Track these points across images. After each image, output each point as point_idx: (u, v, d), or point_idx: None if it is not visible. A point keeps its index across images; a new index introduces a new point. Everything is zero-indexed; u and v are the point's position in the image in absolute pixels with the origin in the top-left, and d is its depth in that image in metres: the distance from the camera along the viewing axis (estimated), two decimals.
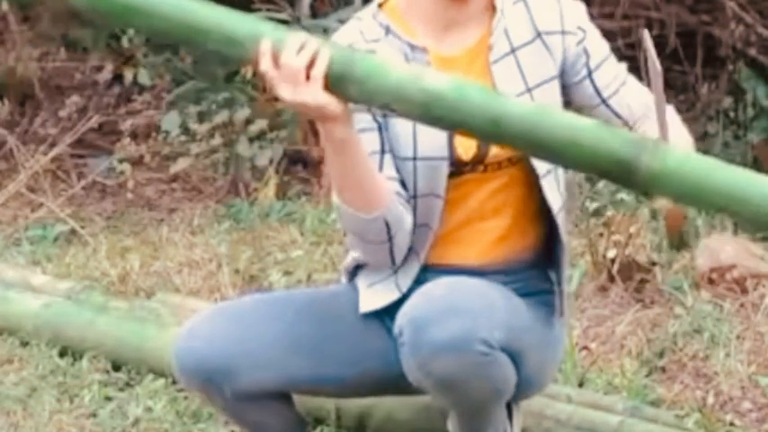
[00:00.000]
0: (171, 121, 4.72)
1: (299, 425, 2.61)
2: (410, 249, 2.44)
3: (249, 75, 4.50)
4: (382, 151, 2.39)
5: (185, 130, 4.70)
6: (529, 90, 2.39)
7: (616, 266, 3.53)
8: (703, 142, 4.39)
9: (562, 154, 2.06)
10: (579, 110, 2.48)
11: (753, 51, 4.38)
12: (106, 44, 5.34)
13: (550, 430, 2.77)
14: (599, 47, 2.44)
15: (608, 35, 4.62)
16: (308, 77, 2.11)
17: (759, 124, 4.25)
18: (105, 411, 3.06)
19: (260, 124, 4.58)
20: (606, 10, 4.60)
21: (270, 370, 2.45)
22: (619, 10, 4.57)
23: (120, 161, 4.76)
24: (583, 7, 2.47)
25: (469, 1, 2.37)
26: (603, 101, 2.43)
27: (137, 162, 4.83)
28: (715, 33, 4.54)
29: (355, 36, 2.41)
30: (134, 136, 4.95)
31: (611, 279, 3.54)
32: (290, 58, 2.11)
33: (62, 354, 3.32)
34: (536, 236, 2.48)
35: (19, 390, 3.17)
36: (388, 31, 2.40)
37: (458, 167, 2.40)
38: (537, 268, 2.50)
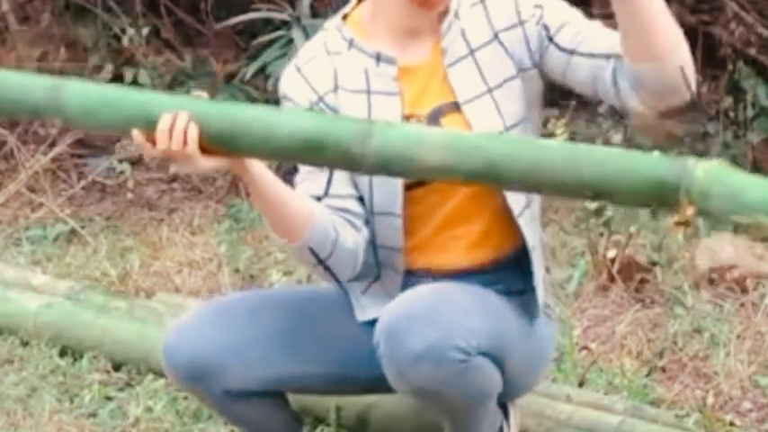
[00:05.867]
0: None
1: (293, 424, 2.61)
2: (384, 264, 2.45)
3: (249, 75, 4.50)
4: (332, 170, 2.40)
5: None
6: (489, 91, 2.38)
7: (616, 266, 3.54)
8: (703, 142, 4.38)
9: (605, 191, 1.98)
10: (561, 77, 2.39)
11: (753, 51, 4.38)
12: (106, 44, 5.34)
13: (550, 430, 2.77)
14: (555, 13, 2.37)
15: None
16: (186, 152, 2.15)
17: (759, 124, 4.25)
18: (105, 411, 3.06)
19: None
20: (606, 10, 4.58)
21: (259, 367, 2.45)
22: None
23: (120, 161, 4.76)
24: None
25: (435, 7, 2.37)
26: (573, 52, 2.34)
27: (137, 162, 4.83)
28: (715, 33, 4.53)
29: (319, 49, 2.44)
30: None
31: (612, 279, 3.54)
32: (162, 144, 2.15)
33: (62, 354, 3.32)
34: (513, 238, 2.46)
35: (19, 390, 3.17)
36: (351, 44, 2.41)
37: None
38: (518, 268, 2.48)
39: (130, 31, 4.94)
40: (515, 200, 2.42)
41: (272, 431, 2.58)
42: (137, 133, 2.16)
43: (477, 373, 2.30)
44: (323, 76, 2.41)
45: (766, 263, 3.55)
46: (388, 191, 2.39)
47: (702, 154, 4.28)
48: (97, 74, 5.31)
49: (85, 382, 3.19)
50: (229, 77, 4.86)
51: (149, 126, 2.15)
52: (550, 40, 2.37)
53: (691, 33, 4.67)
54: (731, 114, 4.35)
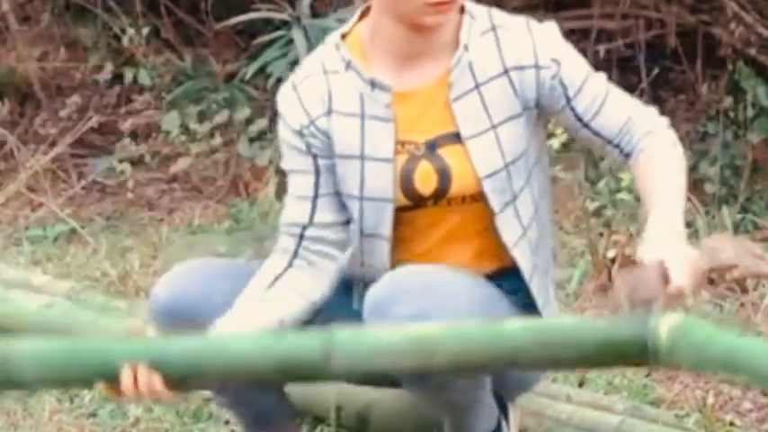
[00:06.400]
0: (171, 121, 4.71)
1: (282, 406, 2.60)
2: (373, 279, 2.41)
3: (249, 75, 4.50)
4: (315, 196, 2.42)
5: (185, 130, 4.70)
6: (494, 127, 2.37)
7: (616, 266, 3.53)
8: (703, 142, 4.38)
9: (576, 361, 2.01)
10: (569, 132, 2.50)
11: (753, 51, 4.38)
12: (106, 44, 5.34)
13: (550, 430, 2.77)
14: (575, 72, 2.39)
15: (608, 35, 4.63)
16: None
17: (759, 124, 4.24)
18: (105, 411, 3.06)
19: (260, 124, 4.58)
20: (606, 10, 4.59)
21: None
22: (619, 10, 4.57)
23: (120, 161, 4.76)
24: (555, 31, 2.42)
25: (434, 33, 2.34)
26: (585, 125, 2.41)
27: (137, 162, 4.83)
28: (715, 33, 4.53)
29: (316, 66, 2.42)
30: (134, 136, 4.95)
31: (612, 279, 3.53)
32: (130, 395, 2.12)
33: None
34: (508, 258, 2.46)
35: None
36: (348, 65, 2.38)
37: (419, 201, 2.40)
38: (515, 277, 2.48)
39: (130, 31, 4.94)
40: (509, 231, 2.42)
41: (258, 407, 2.57)
42: (101, 386, 2.12)
43: None
44: (317, 98, 2.40)
45: (766, 263, 3.54)
46: (378, 214, 2.40)
47: (703, 154, 4.28)
48: (97, 74, 5.32)
49: None
50: (229, 77, 4.86)
51: (110, 377, 2.10)
52: (568, 101, 2.39)
53: (691, 33, 4.69)
54: (731, 114, 4.35)
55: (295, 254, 2.44)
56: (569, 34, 4.81)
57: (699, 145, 4.39)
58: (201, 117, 4.68)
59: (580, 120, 2.40)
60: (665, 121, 2.44)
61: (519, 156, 2.40)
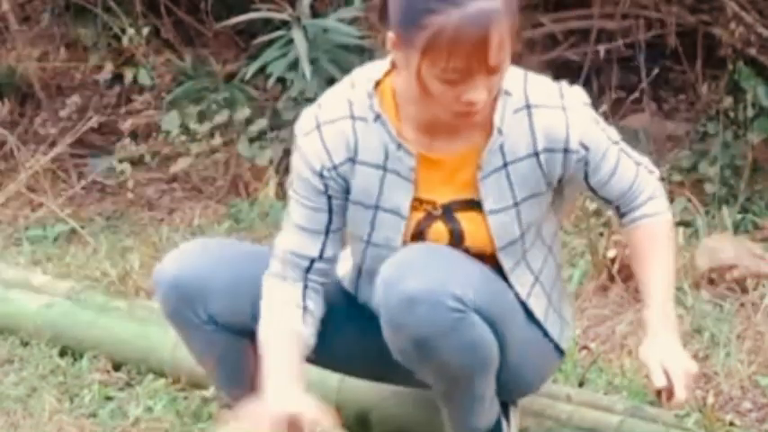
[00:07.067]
0: (171, 121, 4.71)
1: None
2: None
3: (249, 75, 4.50)
4: (327, 231, 2.42)
5: (185, 130, 4.70)
6: (516, 204, 2.38)
7: (616, 266, 3.53)
8: (703, 142, 4.38)
9: None
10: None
11: (753, 51, 4.38)
12: (106, 44, 5.34)
13: (550, 430, 2.77)
14: (598, 152, 2.41)
15: (608, 35, 4.63)
16: None
17: (759, 124, 4.24)
18: (105, 411, 3.06)
19: (260, 124, 4.58)
20: (606, 10, 4.59)
21: (246, 300, 2.45)
22: (619, 10, 4.57)
23: (120, 161, 4.76)
24: (586, 104, 2.41)
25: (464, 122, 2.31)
26: (592, 190, 2.46)
27: (137, 162, 4.83)
28: (715, 33, 4.53)
29: (343, 108, 2.38)
30: (134, 136, 4.95)
31: (612, 279, 3.54)
32: None
33: (62, 354, 3.32)
34: None
35: (19, 390, 3.17)
36: (377, 118, 2.35)
37: None
38: None
39: (130, 31, 4.94)
40: (521, 284, 2.46)
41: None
42: None
43: (470, 329, 2.31)
44: (342, 143, 2.37)
45: (766, 263, 3.55)
46: (383, 257, 2.38)
47: (703, 154, 4.28)
48: (97, 74, 5.32)
49: (85, 382, 3.19)
50: (229, 77, 4.86)
51: None
52: (585, 176, 2.43)
53: (691, 33, 4.69)
54: (731, 114, 4.35)
55: (306, 285, 2.45)
56: (569, 34, 4.83)
57: (699, 145, 4.39)
58: (201, 117, 4.68)
59: (590, 188, 2.46)
60: (659, 180, 2.51)
61: (533, 222, 2.43)
